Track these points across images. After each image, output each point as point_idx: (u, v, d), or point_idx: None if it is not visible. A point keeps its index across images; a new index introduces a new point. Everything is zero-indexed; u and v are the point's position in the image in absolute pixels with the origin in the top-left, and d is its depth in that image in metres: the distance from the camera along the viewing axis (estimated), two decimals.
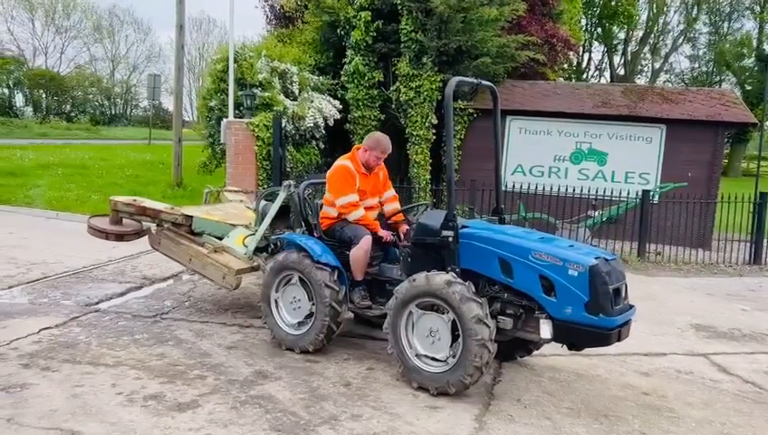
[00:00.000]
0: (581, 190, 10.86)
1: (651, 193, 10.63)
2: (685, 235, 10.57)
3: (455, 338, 4.41)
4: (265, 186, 11.24)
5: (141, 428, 3.82)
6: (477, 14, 12.20)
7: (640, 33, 43.84)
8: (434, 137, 12.76)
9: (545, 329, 4.31)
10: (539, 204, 11.16)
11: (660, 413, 4.44)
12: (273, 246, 5.91)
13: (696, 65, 45.71)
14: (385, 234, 5.29)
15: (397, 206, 5.67)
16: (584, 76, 42.99)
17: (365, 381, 4.69)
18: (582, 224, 10.79)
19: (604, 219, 11.05)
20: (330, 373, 4.82)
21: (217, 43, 52.73)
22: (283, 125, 11.29)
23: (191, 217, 6.32)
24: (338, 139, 13.11)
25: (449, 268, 4.52)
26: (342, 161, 5.32)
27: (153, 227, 6.52)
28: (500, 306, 4.54)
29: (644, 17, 42.69)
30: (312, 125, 11.89)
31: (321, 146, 12.61)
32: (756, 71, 37.78)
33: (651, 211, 10.46)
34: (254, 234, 5.98)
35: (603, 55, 45.86)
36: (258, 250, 5.97)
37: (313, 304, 5.11)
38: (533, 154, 12.80)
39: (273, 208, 5.82)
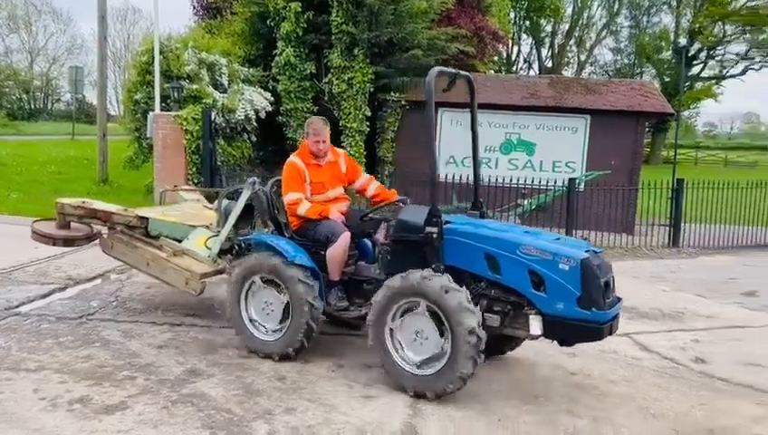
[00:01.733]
0: (511, 180, 11.15)
1: (577, 181, 11.00)
2: (609, 220, 11.01)
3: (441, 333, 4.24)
4: (195, 181, 11.00)
5: (66, 433, 3.69)
6: (407, 6, 12.29)
7: (566, 27, 45.22)
8: (367, 129, 12.79)
9: (535, 325, 4.19)
10: (471, 194, 11.36)
11: (586, 391, 4.63)
12: (237, 248, 5.53)
13: (619, 58, 47.56)
14: (337, 216, 5.01)
15: (378, 184, 5.43)
16: (514, 68, 44.02)
17: (300, 375, 4.68)
18: (513, 212, 11.08)
19: (533, 207, 11.36)
20: (264, 368, 4.77)
21: (143, 34, 50.98)
22: (213, 118, 11.08)
23: (146, 218, 5.97)
24: (271, 132, 12.96)
25: (433, 266, 4.32)
26: (290, 157, 5.17)
27: (104, 230, 6.16)
28: (486, 303, 4.39)
29: (569, 11, 44.04)
30: (242, 118, 11.71)
31: (254, 139, 12.44)
32: (674, 63, 39.62)
33: (577, 199, 10.83)
34: (216, 235, 5.61)
35: (531, 48, 47.07)
36: (221, 252, 5.60)
37: (289, 307, 4.81)
38: (465, 145, 12.97)
39: (238, 208, 5.43)
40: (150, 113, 11.39)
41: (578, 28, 45.49)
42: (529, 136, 12.84)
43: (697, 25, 38.22)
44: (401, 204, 5.02)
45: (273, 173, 11.55)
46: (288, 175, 5.07)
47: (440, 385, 4.19)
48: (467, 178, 11.41)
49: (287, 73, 12.69)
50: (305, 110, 12.86)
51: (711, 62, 41.01)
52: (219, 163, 11.26)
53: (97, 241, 6.27)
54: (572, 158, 12.71)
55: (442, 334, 4.20)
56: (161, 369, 4.69)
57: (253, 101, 12.00)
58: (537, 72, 43.50)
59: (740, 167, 37.01)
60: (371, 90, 12.61)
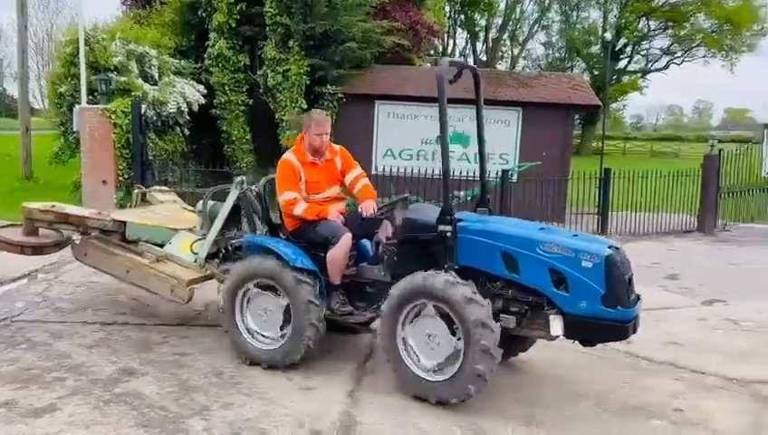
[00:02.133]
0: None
1: (510, 172, 11.29)
2: (541, 210, 11.33)
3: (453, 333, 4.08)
4: (125, 175, 10.68)
5: None
6: None
7: (500, 21, 46.08)
8: None
9: (556, 325, 4.02)
10: (409, 186, 11.50)
11: (524, 376, 4.78)
12: (224, 252, 5.30)
13: (551, 52, 48.86)
14: (336, 216, 4.71)
15: (364, 184, 4.96)
16: None
17: (238, 370, 4.65)
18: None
19: (469, 199, 11.59)
20: (200, 365, 4.72)
21: (67, 23, 48.85)
22: (143, 111, 10.77)
23: (124, 222, 5.59)
24: (204, 125, 12.70)
25: (446, 266, 4.11)
26: (285, 155, 4.86)
27: (76, 236, 5.78)
28: (502, 304, 4.20)
29: (503, 5, 44.88)
30: (174, 111, 11.43)
31: (186, 132, 12.17)
32: (602, 57, 41.06)
33: (510, 189, 11.12)
34: (202, 238, 5.27)
35: (467, 42, 47.73)
36: (208, 256, 5.27)
37: (289, 312, 4.55)
38: (402, 138, 13.13)
39: (225, 208, 5.15)
40: (76, 106, 10.96)
41: (511, 23, 46.41)
42: (464, 128, 13.03)
43: (623, 21, 39.71)
44: (401, 202, 4.83)
45: (203, 167, 11.26)
46: (282, 174, 4.74)
47: (460, 388, 3.98)
48: (405, 170, 11.58)
49: (220, 65, 12.47)
50: (240, 102, 12.68)
51: (637, 57, 42.73)
52: (151, 157, 10.96)
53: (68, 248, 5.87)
54: (506, 150, 13.02)
55: (454, 333, 4.03)
56: (93, 369, 4.56)
57: (185, 93, 11.72)
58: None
59: (665, 157, 38.73)
60: (308, 82, 12.53)
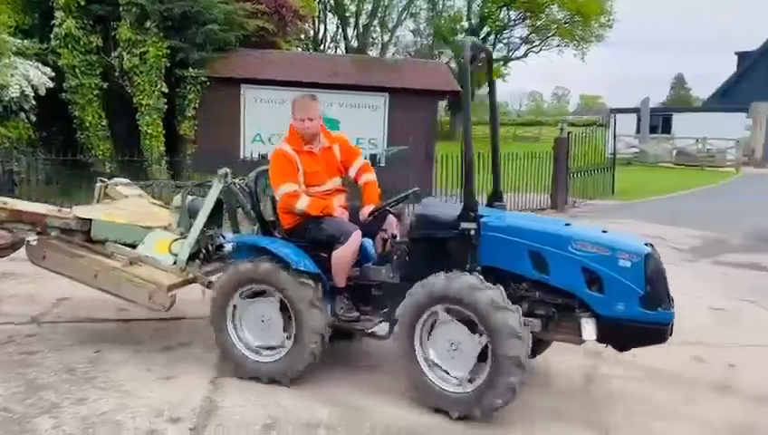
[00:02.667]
0: None
1: (378, 157, 11.56)
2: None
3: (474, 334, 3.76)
4: None
5: None
6: None
7: (370, 7, 46.52)
8: (165, 106, 12.21)
9: (588, 329, 3.75)
10: None
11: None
12: (204, 252, 4.86)
13: (419, 39, 50.09)
14: (341, 211, 4.29)
15: (370, 178, 4.54)
16: (321, 47, 44.42)
17: (92, 365, 4.44)
18: None
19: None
20: (50, 362, 4.46)
21: None
22: None
23: (89, 220, 4.96)
24: (54, 110, 11.82)
25: (468, 267, 3.77)
26: (278, 144, 4.46)
27: (32, 236, 5.03)
28: (528, 306, 3.91)
29: None
30: (17, 95, 10.51)
31: (33, 118, 11.25)
32: None
33: (380, 174, 11.36)
34: (181, 238, 4.77)
35: (338, 27, 47.78)
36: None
37: (290, 322, 4.16)
38: (271, 123, 12.96)
39: (207, 204, 4.68)
40: None
41: (380, 9, 47.04)
42: (333, 113, 13.12)
43: (486, 11, 41.53)
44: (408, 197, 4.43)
45: (55, 154, 10.43)
46: (278, 165, 4.32)
47: (488, 400, 3.66)
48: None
49: (69, 46, 11.64)
50: (93, 86, 11.94)
51: (499, 45, 44.84)
52: None
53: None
54: (374, 134, 13.28)
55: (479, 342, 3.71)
56: None
57: (29, 76, 10.82)
58: (344, 52, 44.33)
59: (527, 140, 41.15)
60: (168, 65, 12.03)
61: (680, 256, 8.77)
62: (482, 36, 42.59)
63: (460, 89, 14.96)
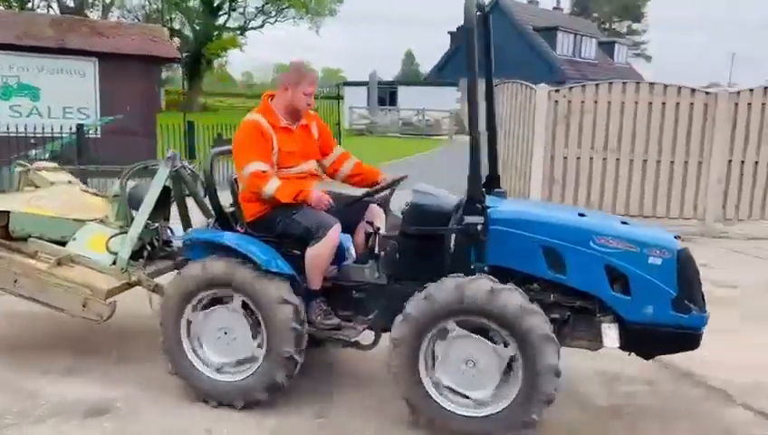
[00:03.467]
0: (17, 128, 10.13)
1: (86, 127, 10.62)
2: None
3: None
4: None
5: None
6: None
7: None
8: None
9: (611, 336, 3.32)
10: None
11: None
12: (149, 249, 4.21)
13: (148, 3, 46.77)
14: (318, 200, 3.67)
15: (356, 160, 4.11)
16: (30, 5, 39.01)
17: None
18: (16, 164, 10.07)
19: (46, 156, 10.56)
20: None
21: None
22: None
23: (6, 212, 4.15)
24: None
25: (473, 266, 3.31)
26: (251, 115, 3.74)
27: None
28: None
29: None
30: None
31: None
32: (201, 12, 41.10)
33: (95, 145, 10.49)
34: (121, 232, 4.12)
35: None
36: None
37: (259, 333, 3.57)
38: None
39: (153, 192, 4.04)
40: None
41: None
42: (31, 80, 11.65)
43: None
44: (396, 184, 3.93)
45: None
46: (249, 139, 3.65)
47: (524, 417, 3.18)
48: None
49: None
50: None
51: (235, 14, 43.93)
52: None
53: None
54: (85, 103, 12.08)
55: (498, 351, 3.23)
56: None
57: None
58: (59, 12, 39.48)
59: None
60: None
61: None
62: (217, 3, 41.35)
63: (178, 56, 14.44)
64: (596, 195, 8.83)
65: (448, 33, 43.54)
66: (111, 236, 4.14)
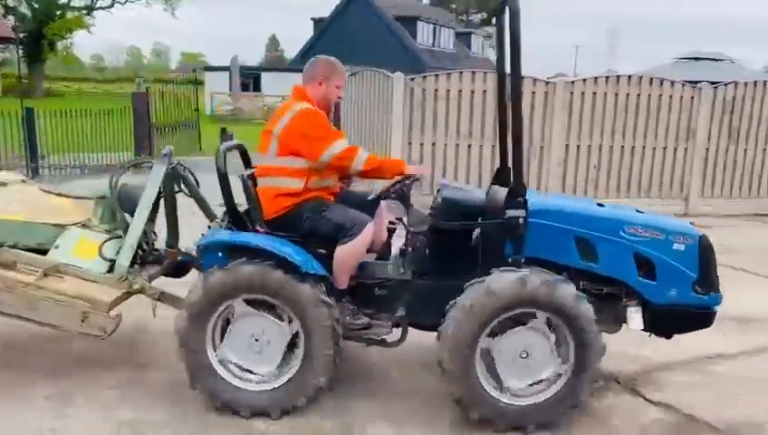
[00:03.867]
0: None
1: None
2: None
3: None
4: None
5: None
6: None
7: None
8: None
9: (636, 319, 3.48)
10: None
11: None
12: (141, 253, 3.90)
13: None
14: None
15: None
16: None
17: None
18: None
19: None
20: None
21: None
22: None
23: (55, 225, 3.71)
24: None
25: (512, 258, 3.35)
26: (305, 105, 3.58)
27: None
28: None
29: None
30: None
31: None
32: None
33: None
34: (114, 237, 3.79)
35: None
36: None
37: (295, 336, 3.43)
38: None
39: (151, 192, 3.76)
40: None
41: None
42: None
43: None
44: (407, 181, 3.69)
45: None
46: (320, 121, 3.55)
47: (576, 398, 3.36)
48: None
49: None
50: None
51: None
52: None
53: None
54: None
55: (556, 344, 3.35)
56: None
57: None
58: None
59: (120, 97, 38.86)
60: None
61: None
62: None
63: (16, 36, 13.19)
64: (451, 180, 9.28)
65: (312, 19, 43.40)
66: (104, 241, 3.76)
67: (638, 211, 3.75)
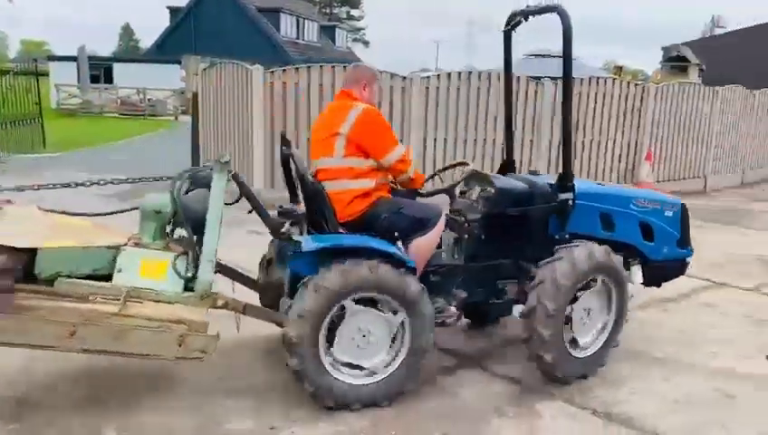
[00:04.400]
0: None
1: None
2: None
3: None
4: None
5: None
6: None
7: None
8: None
9: (639, 275, 4.36)
10: None
11: None
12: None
13: None
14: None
15: None
16: None
17: None
18: None
19: None
20: None
21: None
22: None
23: (31, 250, 3.13)
24: None
25: (559, 235, 4.02)
26: (364, 105, 3.70)
27: None
28: None
29: None
30: None
31: None
32: None
33: None
34: (181, 254, 3.40)
35: None
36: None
37: (397, 328, 3.56)
38: None
39: (218, 202, 3.35)
40: None
41: None
42: None
43: None
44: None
45: None
46: (384, 123, 3.74)
47: (610, 344, 4.09)
48: None
49: None
50: None
51: None
52: None
53: None
54: None
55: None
56: None
57: None
58: None
59: None
60: None
61: (107, 200, 8.96)
62: None
63: None
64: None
65: (167, 7, 41.43)
66: (176, 257, 3.42)
67: (620, 186, 5.12)
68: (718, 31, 45.07)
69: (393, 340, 3.59)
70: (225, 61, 10.42)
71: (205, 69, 10.94)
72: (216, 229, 3.40)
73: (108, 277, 3.29)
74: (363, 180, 3.61)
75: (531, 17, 4.18)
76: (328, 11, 65.53)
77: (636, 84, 11.59)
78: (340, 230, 3.57)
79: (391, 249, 3.49)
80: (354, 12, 68.95)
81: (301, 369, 3.37)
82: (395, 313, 3.52)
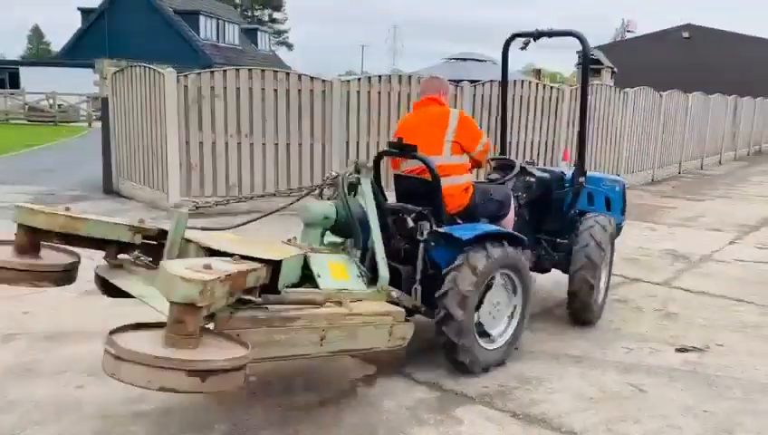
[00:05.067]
0: None
1: None
2: None
3: None
4: None
5: None
6: None
7: None
8: None
9: None
10: None
11: None
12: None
13: None
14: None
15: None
16: None
17: None
18: None
19: None
20: None
21: None
22: None
23: (274, 262, 3.11)
24: None
25: (574, 211, 5.20)
26: (456, 110, 4.49)
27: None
28: None
29: None
30: None
31: None
32: None
33: None
34: (344, 255, 3.78)
35: None
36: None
37: (517, 299, 4.24)
38: None
39: (372, 204, 3.75)
40: None
41: None
42: None
43: None
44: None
45: None
46: (475, 122, 4.52)
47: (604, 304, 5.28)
48: None
49: None
50: None
51: None
52: None
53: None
54: None
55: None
56: None
57: None
58: None
59: None
60: None
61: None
62: None
63: None
64: (234, 178, 9.08)
65: (78, 9, 39.63)
66: (354, 261, 3.75)
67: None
68: (629, 35, 47.36)
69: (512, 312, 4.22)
70: (136, 64, 9.99)
71: (115, 73, 10.45)
72: (377, 230, 3.76)
73: (297, 284, 3.40)
74: (468, 175, 4.33)
75: (545, 38, 5.07)
76: (250, 14, 64.50)
77: (552, 87, 11.93)
78: (458, 221, 4.22)
79: (518, 235, 4.18)
80: (277, 15, 68.19)
81: (461, 344, 3.84)
82: (514, 287, 4.18)
